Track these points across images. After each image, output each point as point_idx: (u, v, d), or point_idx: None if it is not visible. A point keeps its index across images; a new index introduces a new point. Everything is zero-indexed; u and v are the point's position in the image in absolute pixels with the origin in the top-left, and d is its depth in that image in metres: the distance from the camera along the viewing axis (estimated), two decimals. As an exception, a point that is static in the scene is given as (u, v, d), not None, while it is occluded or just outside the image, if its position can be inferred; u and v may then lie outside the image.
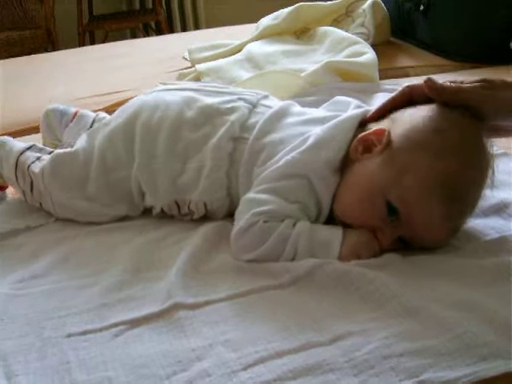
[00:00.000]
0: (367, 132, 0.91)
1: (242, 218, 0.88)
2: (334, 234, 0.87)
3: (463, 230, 0.91)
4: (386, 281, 0.79)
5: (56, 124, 1.22)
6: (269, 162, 0.92)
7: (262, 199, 0.89)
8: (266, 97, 1.06)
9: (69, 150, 1.05)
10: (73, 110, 1.23)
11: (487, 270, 0.83)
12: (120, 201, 1.01)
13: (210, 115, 1.00)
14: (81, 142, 1.05)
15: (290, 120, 0.99)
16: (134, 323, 0.77)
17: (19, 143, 1.12)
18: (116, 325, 0.77)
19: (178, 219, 1.01)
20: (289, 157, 0.91)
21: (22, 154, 1.08)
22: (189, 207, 0.98)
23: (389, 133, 0.89)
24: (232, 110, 1.00)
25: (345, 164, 0.91)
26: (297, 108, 1.03)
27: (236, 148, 0.96)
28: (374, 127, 0.92)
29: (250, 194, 0.91)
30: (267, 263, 0.86)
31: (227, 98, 1.03)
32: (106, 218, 1.02)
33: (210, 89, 1.08)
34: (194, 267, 0.86)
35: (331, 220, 0.91)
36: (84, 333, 0.76)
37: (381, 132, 0.90)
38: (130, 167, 1.00)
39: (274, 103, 1.04)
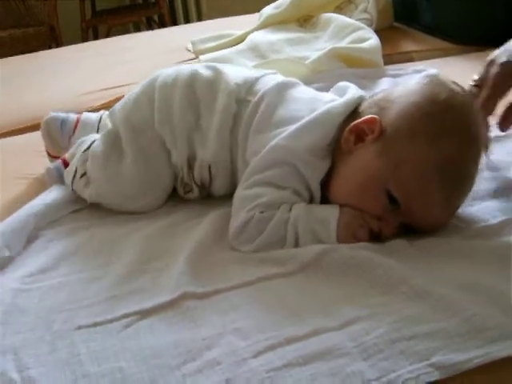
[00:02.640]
0: (357, 121, 0.90)
1: (238, 216, 0.89)
2: (331, 212, 0.87)
3: (470, 212, 0.91)
4: (393, 265, 0.79)
5: (57, 134, 1.20)
6: (259, 136, 0.94)
7: (254, 194, 0.90)
8: (274, 73, 1.08)
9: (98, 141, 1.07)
10: (74, 117, 1.22)
11: (494, 251, 0.82)
12: (152, 173, 1.02)
13: (221, 75, 1.03)
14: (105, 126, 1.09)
15: (293, 94, 1.00)
16: (144, 314, 0.77)
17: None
18: (126, 316, 0.77)
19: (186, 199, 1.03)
20: (273, 143, 0.91)
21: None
22: (193, 174, 1.00)
23: (380, 121, 0.88)
24: (241, 75, 1.03)
25: (336, 151, 0.91)
26: (301, 86, 1.05)
27: (240, 110, 0.98)
28: (364, 114, 0.91)
29: (242, 191, 0.91)
30: (274, 251, 0.86)
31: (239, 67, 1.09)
32: (135, 204, 1.02)
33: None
34: (202, 256, 0.86)
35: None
36: (94, 325, 0.76)
37: (372, 120, 0.89)
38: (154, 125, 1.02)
39: (282, 77, 1.06)
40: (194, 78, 1.03)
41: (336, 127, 0.92)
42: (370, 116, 0.89)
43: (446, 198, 0.85)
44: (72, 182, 1.06)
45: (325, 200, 0.92)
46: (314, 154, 0.90)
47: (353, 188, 0.88)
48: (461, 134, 0.86)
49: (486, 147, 0.89)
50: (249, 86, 1.01)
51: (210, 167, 0.99)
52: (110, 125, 1.07)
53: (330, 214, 0.87)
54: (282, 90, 1.00)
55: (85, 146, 1.08)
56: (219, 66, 1.07)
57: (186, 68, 1.06)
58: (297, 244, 0.87)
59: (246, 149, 0.96)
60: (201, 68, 1.06)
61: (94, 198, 1.04)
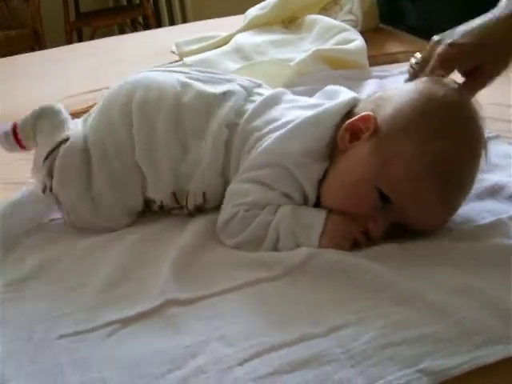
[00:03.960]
0: (353, 119, 0.89)
1: (225, 210, 0.89)
2: (317, 218, 0.86)
3: (459, 213, 0.90)
4: (381, 269, 0.78)
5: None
6: (254, 148, 0.91)
7: (243, 190, 0.89)
8: (259, 85, 1.05)
9: (67, 144, 0.98)
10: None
11: (484, 253, 0.82)
12: (123, 200, 0.97)
13: (209, 103, 0.97)
14: (76, 131, 1.00)
15: (281, 106, 0.97)
16: (127, 322, 0.75)
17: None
18: (108, 324, 0.75)
19: (172, 214, 0.99)
20: (266, 144, 0.90)
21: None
22: (187, 199, 0.96)
23: (375, 118, 0.87)
24: (229, 96, 0.98)
25: (334, 152, 0.90)
26: (289, 96, 1.02)
27: (230, 134, 0.95)
28: (361, 113, 0.89)
29: (234, 185, 0.91)
30: (260, 254, 0.85)
31: (223, 84, 1.01)
32: (111, 224, 0.97)
33: (202, 75, 1.04)
34: (186, 263, 0.85)
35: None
36: (76, 334, 0.75)
37: (367, 118, 0.87)
38: (133, 154, 0.96)
39: (268, 92, 1.02)
40: (178, 106, 0.97)
41: (332, 128, 0.90)
42: (364, 113, 0.88)
43: (440, 198, 0.83)
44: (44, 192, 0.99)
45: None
46: (309, 155, 0.88)
47: (343, 186, 0.87)
48: (457, 132, 0.84)
49: (485, 147, 0.87)
50: (238, 107, 0.96)
51: (204, 193, 0.95)
52: (81, 137, 0.99)
53: (315, 221, 0.86)
54: (268, 105, 0.97)
55: (48, 148, 0.99)
56: (203, 86, 0.99)
57: (167, 90, 0.98)
58: (276, 246, 0.86)
59: (239, 167, 0.93)
60: (184, 90, 0.98)
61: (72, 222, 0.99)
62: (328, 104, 0.93)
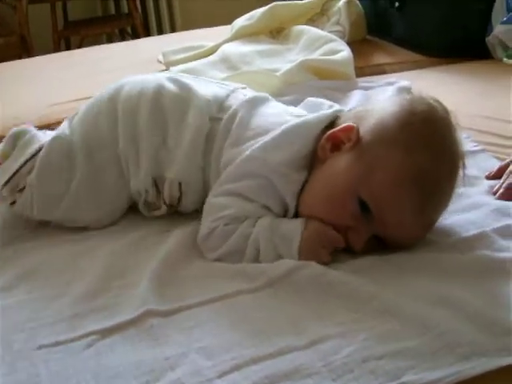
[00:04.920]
0: (336, 129, 0.89)
1: (204, 224, 0.89)
2: (295, 228, 0.85)
3: (443, 225, 0.90)
4: (364, 282, 0.77)
5: None
6: (234, 149, 0.92)
7: (222, 204, 0.89)
8: (243, 87, 1.07)
9: (51, 137, 1.01)
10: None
11: (467, 266, 0.82)
12: (103, 196, 0.99)
13: (190, 91, 1.00)
14: (60, 128, 1.04)
15: (265, 109, 0.98)
16: (106, 332, 0.75)
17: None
18: (88, 335, 0.74)
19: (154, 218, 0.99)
20: (248, 153, 0.90)
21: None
22: (163, 189, 0.97)
23: (357, 129, 0.87)
24: (211, 91, 1.01)
25: (313, 162, 0.90)
26: (273, 102, 1.03)
27: (212, 128, 0.96)
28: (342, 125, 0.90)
29: (212, 198, 0.91)
30: (243, 266, 0.84)
31: (203, 80, 1.07)
32: (85, 219, 0.99)
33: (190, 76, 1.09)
34: (167, 273, 0.84)
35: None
36: (55, 344, 0.74)
37: (349, 128, 0.88)
38: (114, 146, 0.99)
39: (252, 92, 1.05)
40: (159, 94, 1.00)
41: (313, 138, 0.90)
42: (347, 124, 0.89)
43: (418, 209, 0.83)
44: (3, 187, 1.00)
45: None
46: (291, 166, 0.89)
47: (323, 194, 0.87)
48: (438, 147, 0.85)
49: (463, 162, 0.88)
50: (220, 102, 0.99)
51: (180, 185, 0.96)
52: (67, 132, 1.02)
53: (293, 232, 0.85)
54: (254, 105, 0.98)
55: (29, 152, 1.01)
56: (185, 79, 1.04)
57: (150, 83, 1.02)
58: (257, 258, 0.85)
59: (220, 164, 0.94)
60: (166, 82, 1.02)
61: (37, 215, 0.99)
62: (310, 115, 0.94)
